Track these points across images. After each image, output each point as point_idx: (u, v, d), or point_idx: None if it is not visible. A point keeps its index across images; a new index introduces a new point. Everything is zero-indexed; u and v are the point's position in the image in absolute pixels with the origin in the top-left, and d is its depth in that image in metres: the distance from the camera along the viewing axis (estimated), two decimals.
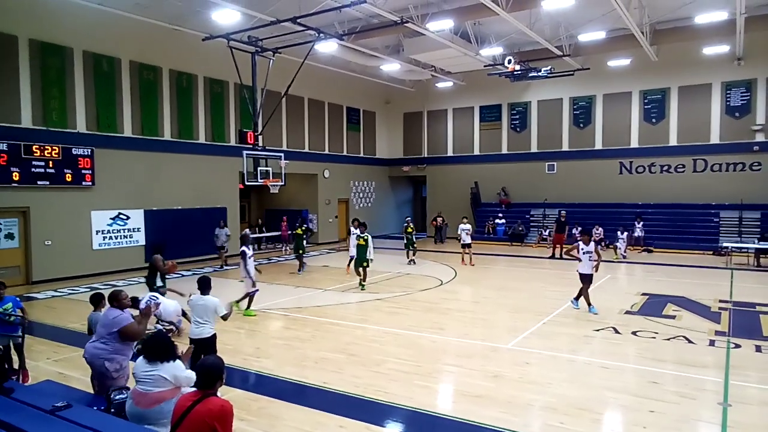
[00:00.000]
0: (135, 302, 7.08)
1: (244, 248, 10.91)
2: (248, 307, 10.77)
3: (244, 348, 8.55)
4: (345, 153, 26.46)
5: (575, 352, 8.16)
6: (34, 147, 14.51)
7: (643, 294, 12.45)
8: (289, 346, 8.73)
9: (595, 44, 19.54)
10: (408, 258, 17.99)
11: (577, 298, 10.89)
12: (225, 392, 5.81)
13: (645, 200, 22.56)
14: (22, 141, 14.28)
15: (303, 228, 16.62)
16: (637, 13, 16.57)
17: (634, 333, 9.07)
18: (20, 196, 14.42)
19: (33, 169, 14.53)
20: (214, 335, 6.62)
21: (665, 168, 22.46)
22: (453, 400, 6.66)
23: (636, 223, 20.75)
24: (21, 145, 14.25)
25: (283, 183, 15.95)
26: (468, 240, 17.39)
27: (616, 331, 9.20)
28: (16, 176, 14.17)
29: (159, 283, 9.62)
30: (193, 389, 3.74)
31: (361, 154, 27.69)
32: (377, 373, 7.28)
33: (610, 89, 23.24)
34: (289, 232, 20.10)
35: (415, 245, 18.13)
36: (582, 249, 10.64)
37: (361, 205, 27.74)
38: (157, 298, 8.03)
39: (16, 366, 6.77)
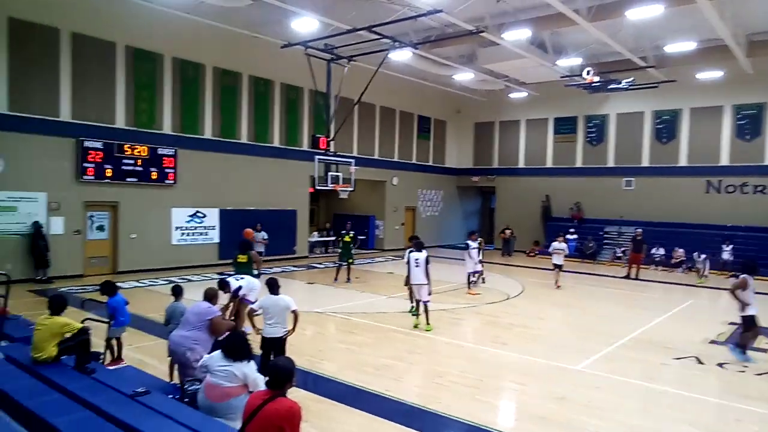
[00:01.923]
0: (223, 286, 7.48)
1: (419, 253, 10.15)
2: (427, 322, 10.19)
3: (307, 349, 8.70)
4: (414, 161, 26.50)
5: (651, 380, 7.66)
6: (125, 146, 15.61)
7: (731, 323, 11.48)
8: (350, 350, 8.81)
9: (683, 55, 18.42)
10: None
11: (743, 349, 8.64)
12: (292, 392, 5.92)
13: (735, 222, 20.94)
14: (115, 140, 15.41)
15: (351, 235, 15.75)
16: (731, 23, 15.48)
17: (719, 365, 8.40)
18: (111, 192, 15.54)
19: (123, 167, 15.62)
20: (285, 336, 6.78)
21: (759, 188, 20.78)
22: (514, 418, 6.46)
23: (724, 246, 19.29)
24: (114, 144, 15.37)
25: (352, 188, 16.18)
26: (560, 261, 15.61)
27: (699, 361, 8.56)
28: (108, 173, 15.28)
29: (255, 272, 10.06)
30: (264, 389, 3.84)
31: (430, 163, 27.63)
32: (437, 384, 7.20)
33: (698, 103, 21.85)
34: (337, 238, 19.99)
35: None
36: (752, 287, 8.59)
37: (428, 213, 27.65)
38: (244, 279, 8.43)
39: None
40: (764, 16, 15.75)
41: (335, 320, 11.04)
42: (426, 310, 10.15)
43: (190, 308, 6.09)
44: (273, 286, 6.90)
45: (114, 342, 7.34)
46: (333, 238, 23.50)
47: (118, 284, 8.06)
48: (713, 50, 17.86)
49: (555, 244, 16.07)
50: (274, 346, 6.59)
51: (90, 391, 4.44)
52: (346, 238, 15.70)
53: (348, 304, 12.47)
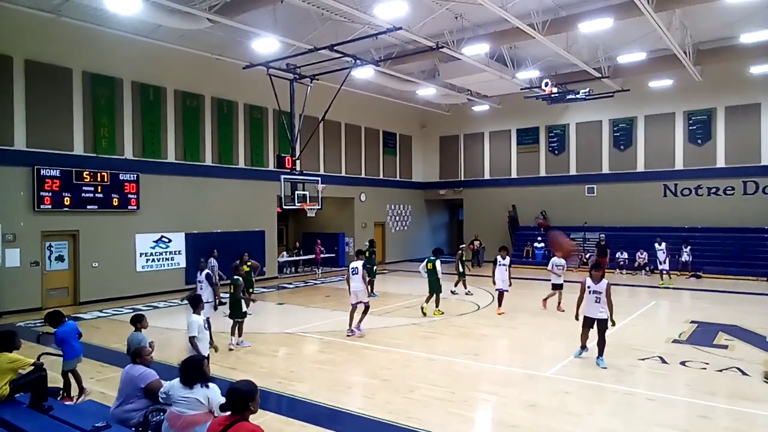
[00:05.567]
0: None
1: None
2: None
3: (279, 371, 8.56)
4: (381, 177, 26.62)
5: (618, 382, 7.80)
6: (84, 173, 15.20)
7: (692, 322, 11.87)
8: (323, 369, 8.70)
9: (635, 65, 19.17)
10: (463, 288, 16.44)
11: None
12: (259, 416, 5.79)
13: (692, 224, 21.69)
14: (73, 167, 15.00)
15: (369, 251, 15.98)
16: (679, 33, 16.21)
17: (682, 363, 8.63)
18: (71, 220, 15.07)
19: (83, 194, 15.18)
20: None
21: (713, 190, 21.62)
22: (488, 429, 6.46)
23: (683, 247, 19.93)
24: (73, 171, 14.96)
25: (320, 207, 16.10)
26: (560, 280, 13.30)
27: (663, 361, 8.77)
28: (67, 201, 14.83)
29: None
30: (226, 414, 3.74)
31: (398, 178, 27.80)
32: (410, 399, 7.15)
33: (652, 110, 22.70)
34: (323, 254, 19.89)
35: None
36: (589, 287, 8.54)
37: (397, 228, 27.72)
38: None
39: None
40: (709, 26, 16.54)
41: (307, 340, 10.89)
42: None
43: (122, 375, 5.22)
44: (194, 304, 7.16)
45: (70, 375, 7.00)
46: (303, 258, 23.30)
47: (80, 315, 7.79)
48: (663, 59, 18.63)
49: (555, 260, 13.52)
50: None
51: (46, 430, 4.25)
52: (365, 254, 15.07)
53: (319, 323, 12.34)
